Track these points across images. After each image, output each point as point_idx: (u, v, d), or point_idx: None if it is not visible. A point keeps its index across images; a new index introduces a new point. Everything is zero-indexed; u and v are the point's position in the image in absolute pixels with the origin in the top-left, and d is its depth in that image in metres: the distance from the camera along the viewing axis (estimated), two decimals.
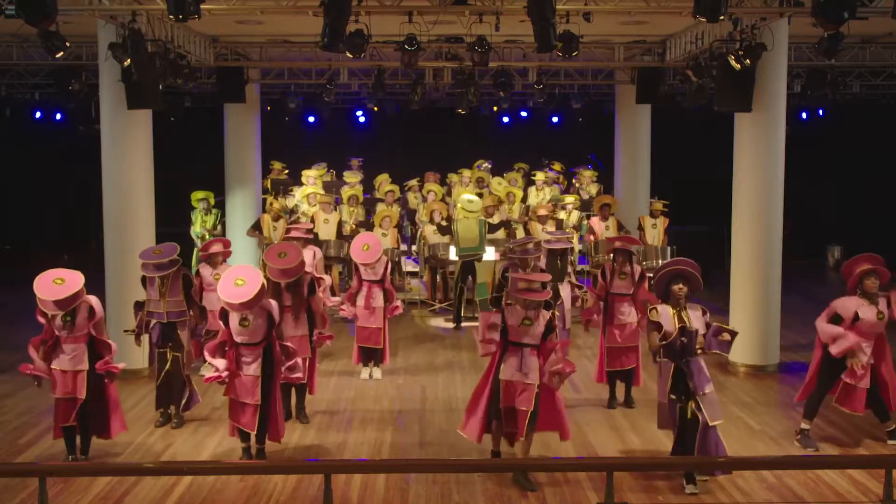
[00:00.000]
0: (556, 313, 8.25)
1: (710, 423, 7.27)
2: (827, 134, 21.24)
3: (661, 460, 7.83)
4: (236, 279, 7.80)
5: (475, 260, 13.87)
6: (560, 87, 18.12)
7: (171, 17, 8.85)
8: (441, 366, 11.66)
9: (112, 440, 8.27)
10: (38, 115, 21.38)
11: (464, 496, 7.40)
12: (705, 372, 7.41)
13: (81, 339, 7.89)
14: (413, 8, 10.33)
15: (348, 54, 10.53)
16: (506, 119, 23.10)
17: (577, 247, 14.38)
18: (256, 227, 14.60)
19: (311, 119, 22.28)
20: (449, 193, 17.37)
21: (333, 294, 13.18)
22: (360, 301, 10.71)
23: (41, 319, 7.95)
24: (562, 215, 15.50)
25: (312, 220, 14.25)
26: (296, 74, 17.07)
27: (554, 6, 9.19)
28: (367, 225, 15.45)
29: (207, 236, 14.66)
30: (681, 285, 7.40)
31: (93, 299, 7.97)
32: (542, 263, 10.04)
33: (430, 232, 14.62)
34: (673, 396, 7.41)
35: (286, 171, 18.06)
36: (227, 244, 10.42)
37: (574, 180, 18.73)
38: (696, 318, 7.38)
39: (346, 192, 16.11)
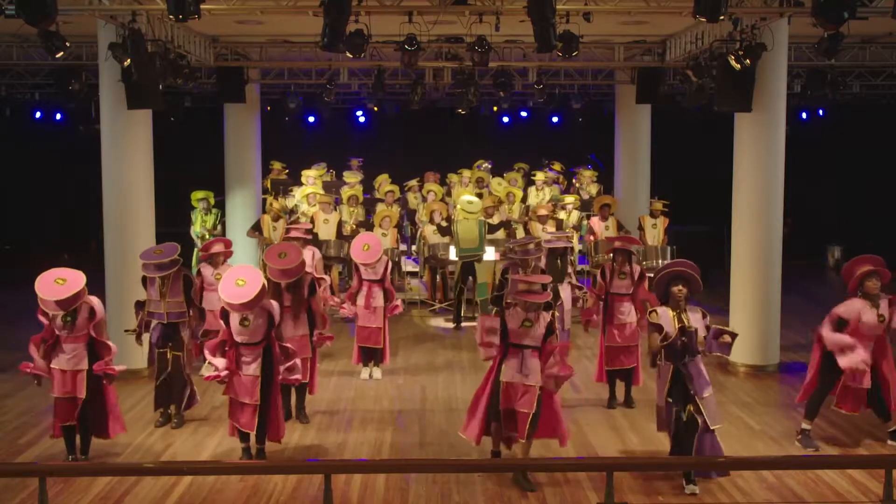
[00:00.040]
0: (556, 314, 8.24)
1: (711, 427, 7.29)
2: (827, 134, 21.24)
3: (661, 460, 7.83)
4: (237, 279, 7.80)
5: (475, 261, 13.87)
6: (560, 87, 18.12)
7: (171, 17, 8.85)
8: (441, 366, 11.66)
9: (112, 440, 8.28)
10: (38, 115, 21.38)
11: (464, 496, 7.40)
12: (705, 375, 7.41)
13: (81, 340, 7.89)
14: (413, 8, 10.33)
15: (348, 54, 10.53)
16: (506, 119, 23.10)
17: (577, 247, 14.38)
18: (256, 228, 14.60)
19: (311, 119, 22.28)
20: (449, 193, 17.37)
21: (333, 294, 13.17)
22: (361, 301, 10.71)
23: (42, 319, 7.95)
24: (562, 215, 15.50)
25: (312, 221, 14.24)
26: (296, 74, 17.07)
27: (554, 6, 9.19)
28: (367, 225, 15.45)
29: (207, 236, 14.66)
30: (680, 287, 7.41)
31: (94, 300, 7.97)
32: (542, 263, 10.04)
33: (429, 232, 14.62)
34: (670, 400, 7.42)
35: (286, 171, 18.06)
36: (228, 244, 10.42)
37: (574, 180, 18.73)
38: (695, 321, 7.38)
39: (345, 192, 16.11)
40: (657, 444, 8.55)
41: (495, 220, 14.86)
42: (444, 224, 14.61)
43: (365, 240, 10.76)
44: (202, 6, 8.96)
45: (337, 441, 8.80)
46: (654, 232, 14.78)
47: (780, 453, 8.42)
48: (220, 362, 7.91)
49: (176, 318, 9.07)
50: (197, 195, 15.13)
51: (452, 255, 14.06)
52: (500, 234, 14.70)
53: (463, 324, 13.92)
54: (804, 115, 21.46)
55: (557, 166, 19.38)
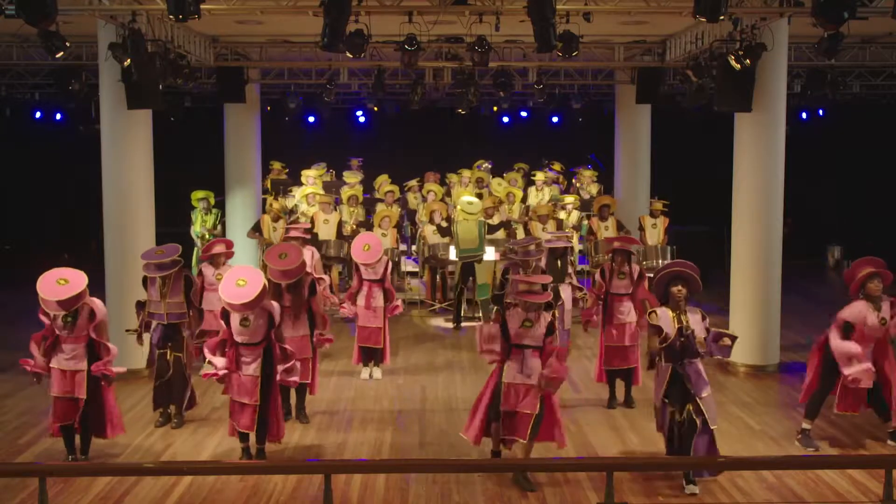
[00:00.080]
0: (556, 314, 8.24)
1: (711, 427, 7.30)
2: (827, 134, 21.24)
3: (661, 460, 7.83)
4: (238, 279, 7.80)
5: (475, 261, 13.88)
6: (560, 87, 18.12)
7: (171, 17, 8.85)
8: (441, 366, 11.66)
9: (112, 440, 8.27)
10: (38, 115, 21.38)
11: (464, 496, 7.40)
12: (703, 375, 7.42)
13: (81, 341, 7.89)
14: (413, 8, 10.33)
15: (348, 54, 10.53)
16: (506, 119, 23.10)
17: (577, 247, 14.38)
18: (256, 229, 14.60)
19: (311, 119, 22.28)
20: (448, 194, 17.37)
21: (332, 293, 13.17)
22: (361, 301, 10.72)
23: (43, 318, 7.95)
24: (562, 215, 15.50)
25: (312, 221, 14.24)
26: (296, 74, 17.07)
27: (554, 6, 9.19)
28: (368, 225, 15.45)
29: (207, 236, 14.68)
30: (680, 287, 7.41)
31: (96, 302, 7.97)
32: (543, 263, 10.04)
33: (429, 232, 14.62)
34: (666, 400, 7.43)
35: (286, 171, 18.07)
36: (229, 245, 10.41)
37: (574, 180, 18.73)
38: (695, 322, 7.38)
39: (345, 192, 16.10)
40: (657, 444, 8.52)
41: (495, 220, 14.86)
42: (444, 224, 14.61)
43: (365, 240, 10.76)
44: (202, 6, 8.95)
45: (337, 441, 8.80)
46: (655, 232, 14.78)
47: (780, 453, 8.42)
48: (220, 361, 7.91)
49: (176, 319, 9.06)
50: (197, 195, 15.13)
51: (452, 255, 14.06)
52: (500, 234, 14.70)
53: (463, 324, 13.93)
54: (804, 115, 21.46)
55: (557, 166, 19.39)
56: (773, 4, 10.14)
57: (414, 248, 16.15)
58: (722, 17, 8.98)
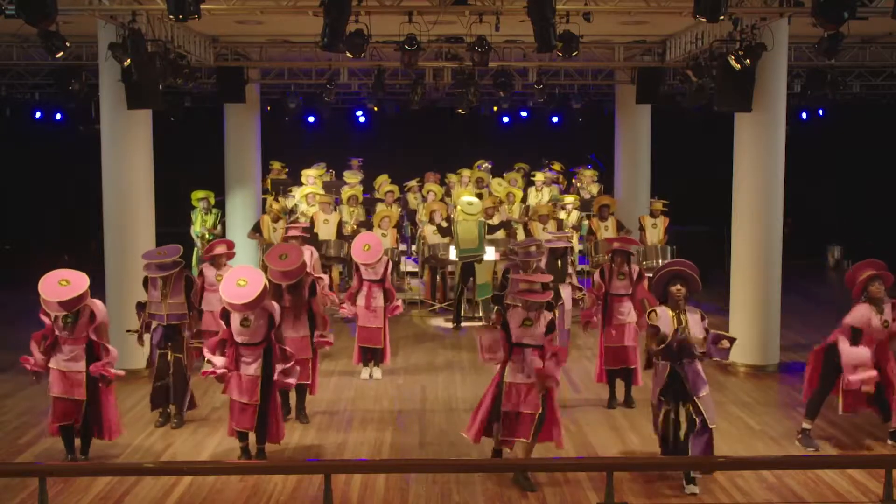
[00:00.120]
0: (556, 313, 8.24)
1: (710, 426, 7.30)
2: (827, 134, 21.24)
3: (661, 460, 7.82)
4: (238, 280, 7.80)
5: (475, 261, 13.88)
6: (560, 87, 18.11)
7: (171, 17, 8.85)
8: (441, 366, 11.66)
9: (112, 440, 8.26)
10: (38, 115, 21.38)
11: (464, 496, 7.40)
12: (702, 375, 7.42)
13: (80, 342, 7.88)
14: (413, 8, 10.33)
15: (348, 54, 10.53)
16: (506, 119, 23.10)
17: (577, 247, 14.38)
18: (256, 230, 14.60)
19: (311, 119, 22.28)
20: (448, 194, 17.37)
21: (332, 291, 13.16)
22: (361, 301, 10.72)
23: (44, 318, 7.95)
24: (561, 215, 15.51)
25: (312, 221, 14.24)
26: (296, 74, 17.07)
27: (554, 6, 9.18)
28: (368, 225, 15.45)
29: (207, 236, 14.68)
30: (679, 286, 7.41)
31: (97, 304, 7.97)
32: (543, 264, 10.04)
33: (429, 232, 14.62)
34: (662, 398, 7.44)
35: (286, 171, 18.07)
36: (230, 245, 10.40)
37: (574, 180, 18.74)
38: (694, 322, 7.38)
39: (345, 192, 16.10)
40: (657, 445, 8.53)
41: (495, 220, 14.86)
42: (444, 224, 14.61)
43: (365, 240, 10.77)
44: (202, 6, 8.95)
45: (337, 441, 8.80)
46: (655, 232, 14.79)
47: (780, 453, 8.41)
48: (219, 360, 7.91)
49: (177, 320, 9.05)
50: (197, 195, 15.13)
51: (452, 255, 14.07)
52: (500, 234, 14.71)
53: (463, 324, 13.93)
54: (804, 115, 21.46)
55: (557, 166, 19.39)
56: (773, 4, 10.14)
57: (414, 248, 16.15)
58: (722, 17, 8.98)
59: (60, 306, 7.70)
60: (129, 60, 10.33)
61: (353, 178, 17.43)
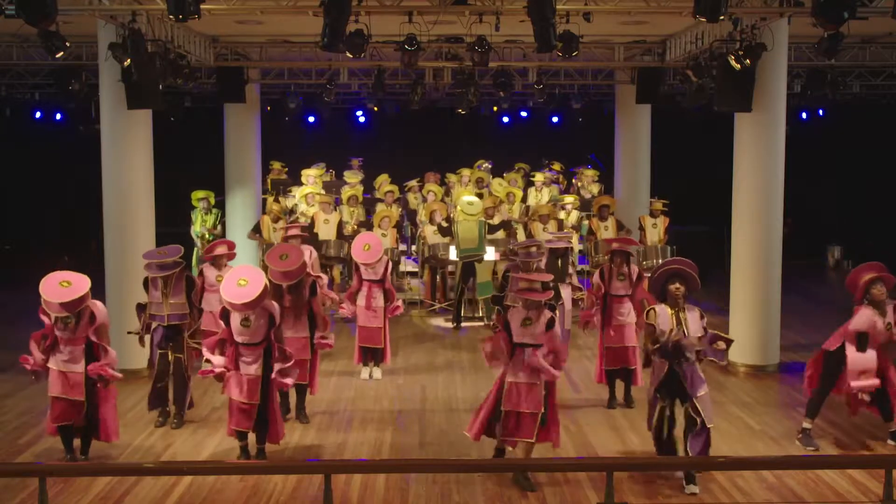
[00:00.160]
0: (557, 314, 8.24)
1: (708, 425, 7.31)
2: (827, 134, 21.24)
3: (661, 460, 7.82)
4: (239, 279, 7.80)
5: (476, 261, 13.88)
6: (560, 87, 18.11)
7: (171, 17, 8.85)
8: (441, 366, 11.66)
9: (110, 442, 8.24)
10: (38, 115, 21.38)
11: (464, 496, 7.40)
12: (700, 374, 7.44)
13: (80, 343, 7.88)
14: (413, 8, 10.33)
15: (348, 54, 10.53)
16: (506, 119, 23.10)
17: (577, 247, 14.38)
18: (256, 230, 14.60)
19: (311, 119, 22.28)
20: (448, 194, 17.37)
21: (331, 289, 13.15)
22: (361, 301, 10.72)
23: (44, 318, 7.94)
24: (561, 215, 15.51)
25: (312, 221, 14.24)
26: (296, 74, 17.07)
27: (554, 6, 9.18)
28: (368, 225, 15.45)
29: (207, 236, 14.68)
30: (677, 285, 7.42)
31: (97, 305, 7.96)
32: (543, 264, 10.05)
33: (429, 232, 14.63)
34: (658, 395, 7.46)
35: (286, 171, 18.07)
36: (231, 246, 10.39)
37: (574, 180, 18.74)
38: (693, 320, 7.39)
39: (346, 192, 16.10)
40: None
41: (496, 220, 14.87)
42: (444, 224, 14.61)
43: (366, 240, 10.77)
44: (202, 6, 8.95)
45: (337, 441, 8.80)
46: (655, 231, 14.78)
47: (780, 453, 8.42)
48: (219, 360, 7.91)
49: (178, 320, 9.04)
50: (197, 195, 15.13)
51: (453, 255, 14.07)
52: (501, 234, 14.71)
53: (463, 324, 13.93)
54: (804, 115, 21.47)
55: (557, 166, 19.39)
56: (773, 4, 10.14)
57: (414, 248, 16.15)
58: (722, 17, 8.98)
59: (61, 307, 7.69)
60: (129, 60, 10.33)
61: (353, 177, 17.43)
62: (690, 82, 12.81)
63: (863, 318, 8.25)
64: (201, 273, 10.18)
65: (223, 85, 15.15)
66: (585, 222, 15.66)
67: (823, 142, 20.81)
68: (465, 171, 17.44)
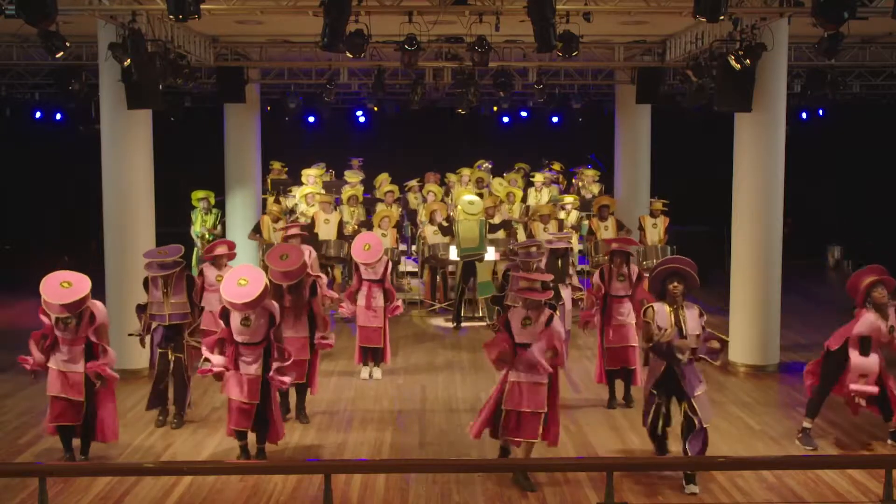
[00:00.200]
0: (557, 313, 8.24)
1: (704, 425, 7.32)
2: (827, 134, 21.24)
3: (661, 460, 7.83)
4: (239, 279, 7.80)
5: (476, 260, 13.88)
6: (560, 87, 18.11)
7: (171, 17, 8.85)
8: (441, 366, 11.66)
9: (108, 443, 8.23)
10: (38, 115, 21.38)
11: (464, 496, 7.40)
12: (697, 373, 7.45)
13: (79, 343, 7.87)
14: (413, 8, 10.33)
15: (348, 54, 10.53)
16: (506, 119, 23.10)
17: (577, 247, 14.38)
18: (256, 230, 14.60)
19: (311, 119, 22.28)
20: (448, 193, 17.37)
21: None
22: (361, 301, 10.72)
23: (43, 318, 7.94)
24: (561, 215, 15.51)
25: (312, 221, 14.24)
26: (296, 74, 17.06)
27: (554, 6, 9.19)
28: (368, 225, 15.45)
29: (207, 236, 14.68)
30: (676, 283, 7.42)
31: (97, 305, 7.96)
32: (543, 264, 10.05)
33: (429, 232, 14.63)
34: (654, 392, 7.47)
35: (286, 171, 18.07)
36: (231, 246, 10.39)
37: (575, 180, 18.74)
38: (692, 318, 7.40)
39: (346, 192, 16.10)
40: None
41: (496, 220, 14.87)
42: (444, 224, 14.62)
43: (366, 239, 10.77)
44: (202, 6, 8.95)
45: (337, 441, 8.79)
46: (655, 231, 14.78)
47: (780, 453, 8.42)
48: (218, 359, 7.90)
49: (178, 320, 9.04)
50: (197, 195, 15.13)
51: (453, 254, 14.07)
52: (501, 234, 14.71)
53: (463, 324, 13.93)
54: (804, 115, 21.46)
55: (557, 166, 19.39)
56: (773, 4, 10.14)
57: (414, 248, 16.15)
58: (722, 17, 8.98)
59: (62, 308, 7.69)
60: (129, 60, 10.33)
61: (354, 177, 17.43)
62: (690, 82, 12.81)
63: (866, 321, 8.24)
64: (201, 273, 10.17)
65: (223, 85, 15.15)
66: (585, 222, 15.66)
67: (823, 142, 20.81)
68: (465, 171, 17.44)
